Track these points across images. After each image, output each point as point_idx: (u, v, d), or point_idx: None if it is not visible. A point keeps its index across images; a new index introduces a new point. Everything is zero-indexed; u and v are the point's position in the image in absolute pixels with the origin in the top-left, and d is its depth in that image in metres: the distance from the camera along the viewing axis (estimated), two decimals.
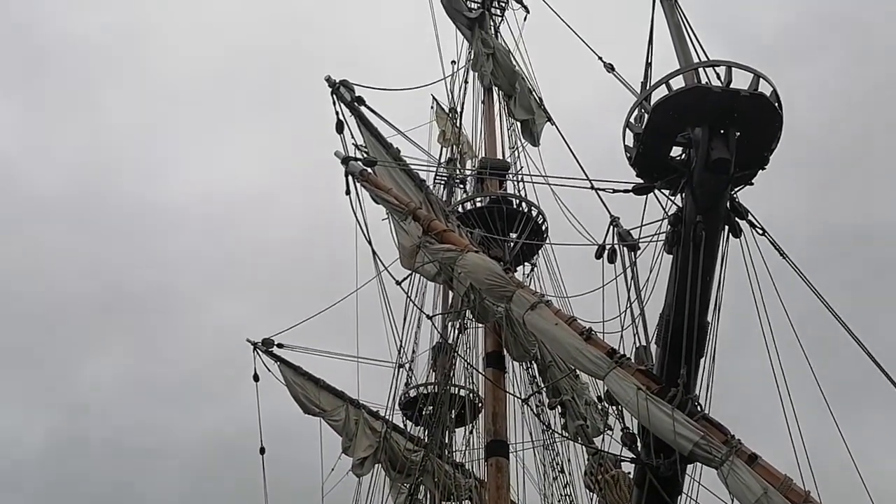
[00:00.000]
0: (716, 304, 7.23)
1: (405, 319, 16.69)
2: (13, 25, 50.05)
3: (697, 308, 6.87)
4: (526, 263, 16.41)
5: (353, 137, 13.74)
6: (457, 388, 17.68)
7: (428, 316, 15.00)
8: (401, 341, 16.36)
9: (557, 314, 8.88)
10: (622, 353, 8.11)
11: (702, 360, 7.32)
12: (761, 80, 6.18)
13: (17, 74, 50.00)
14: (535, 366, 15.24)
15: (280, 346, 16.49)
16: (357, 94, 14.55)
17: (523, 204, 16.19)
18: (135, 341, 44.09)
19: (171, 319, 44.65)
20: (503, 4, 21.16)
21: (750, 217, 7.07)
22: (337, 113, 13.60)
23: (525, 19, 20.85)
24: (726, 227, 6.97)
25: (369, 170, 12.48)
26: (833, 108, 40.49)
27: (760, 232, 7.19)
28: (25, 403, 40.29)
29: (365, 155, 13.42)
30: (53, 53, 50.68)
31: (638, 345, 8.09)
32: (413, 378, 19.01)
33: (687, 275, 6.82)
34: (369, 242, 12.05)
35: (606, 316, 8.43)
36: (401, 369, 17.54)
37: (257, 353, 16.38)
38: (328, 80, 14.13)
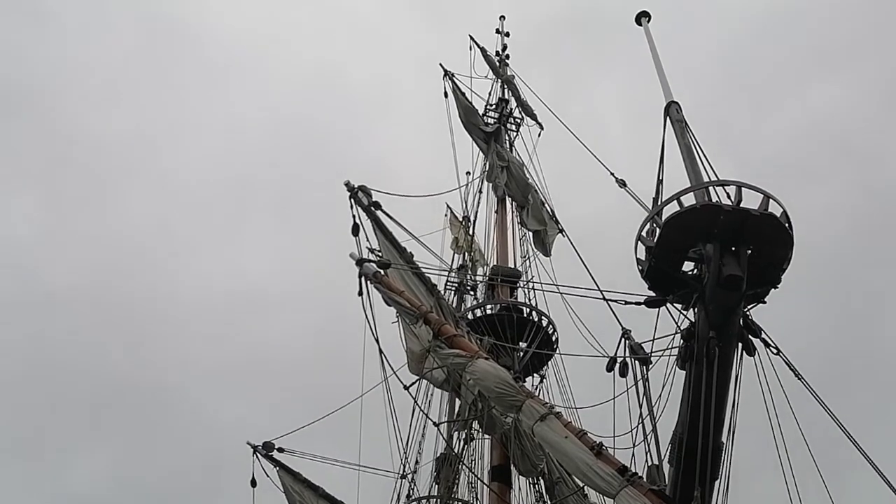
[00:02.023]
0: (730, 425, 7.07)
1: (411, 427, 16.36)
2: (37, 120, 52.15)
3: (712, 428, 6.71)
4: (535, 374, 16.23)
5: (367, 241, 13.99)
6: (460, 503, 17.04)
7: (435, 423, 14.68)
8: (405, 450, 15.94)
9: (567, 426, 8.70)
10: (634, 470, 7.88)
11: (716, 482, 7.09)
12: (771, 200, 6.29)
13: (39, 167, 51.69)
14: (542, 482, 14.74)
15: (280, 450, 16.08)
16: (374, 199, 14.89)
17: (534, 313, 16.19)
18: (131, 437, 43.14)
19: (170, 417, 43.83)
20: (518, 121, 22.02)
21: (763, 335, 7.02)
22: (354, 216, 13.87)
23: (539, 135, 21.65)
24: (740, 345, 6.90)
25: (382, 272, 12.60)
26: (843, 228, 41.07)
27: (775, 351, 7.12)
28: (19, 496, 39.10)
29: (379, 258, 13.59)
30: (75, 149, 52.50)
31: (650, 463, 7.87)
32: (415, 490, 18.38)
33: (700, 392, 6.70)
34: (377, 340, 12.00)
35: (617, 431, 8.26)
36: (402, 480, 17.00)
37: (257, 456, 15.98)
38: (347, 184, 14.49)
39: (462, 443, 15.22)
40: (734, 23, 51.25)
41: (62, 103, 52.43)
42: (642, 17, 9.05)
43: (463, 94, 21.49)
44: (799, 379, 7.58)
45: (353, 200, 14.28)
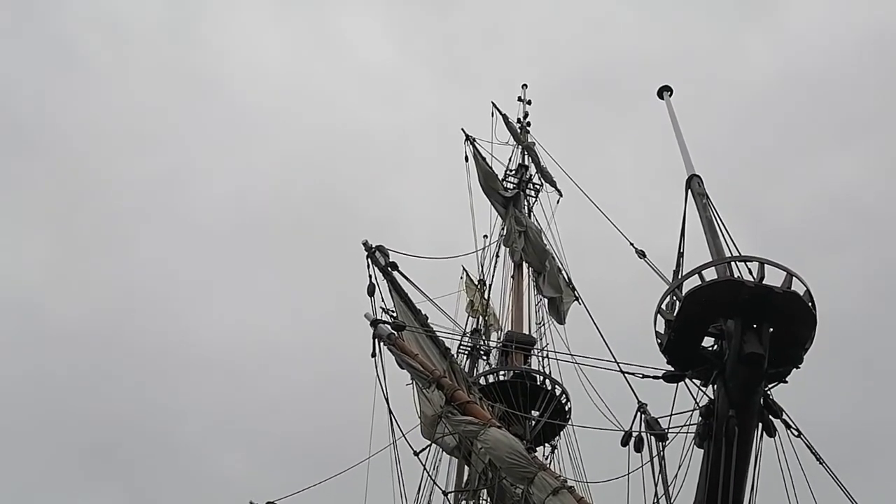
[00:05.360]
0: None
1: (418, 493, 15.96)
2: (55, 162, 53.26)
3: None
4: (546, 444, 15.89)
5: (382, 300, 13.92)
6: None
7: (444, 492, 14.31)
8: None
9: (580, 502, 8.45)
10: None
11: None
12: (794, 278, 6.21)
13: (54, 208, 52.60)
14: None
15: None
16: (391, 260, 14.89)
17: (547, 381, 15.95)
18: (129, 487, 42.47)
19: (170, 468, 43.26)
20: (538, 187, 22.18)
21: (784, 417, 6.83)
22: (370, 276, 13.86)
23: (558, 202, 21.76)
24: (760, 426, 6.72)
25: (397, 334, 12.51)
26: (861, 301, 40.64)
27: (796, 434, 6.92)
28: None
29: (393, 318, 13.50)
30: (91, 192, 53.45)
31: None
32: None
33: (718, 472, 6.49)
34: (387, 402, 11.78)
35: None
36: None
37: None
38: (365, 244, 14.54)
39: None
40: (751, 95, 52.13)
41: (81, 146, 53.75)
42: (664, 91, 9.16)
43: (483, 158, 21.76)
44: (820, 463, 7.36)
45: (369, 260, 14.31)
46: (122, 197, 54.19)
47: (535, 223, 20.61)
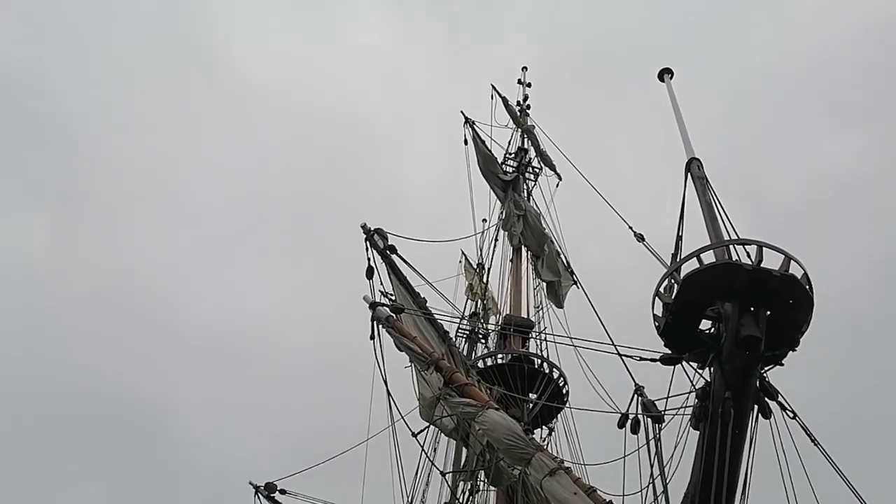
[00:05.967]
0: (744, 489, 6.89)
1: (416, 474, 16.09)
2: (56, 144, 52.99)
3: (725, 490, 6.54)
4: (544, 426, 15.99)
5: (381, 284, 13.95)
6: None
7: (442, 473, 14.42)
8: (409, 498, 15.64)
9: (577, 482, 8.53)
10: None
11: None
12: (792, 262, 6.23)
13: (52, 191, 52.40)
14: None
15: (283, 492, 15.89)
16: (390, 243, 14.91)
17: (545, 364, 16.02)
18: (128, 471, 42.69)
19: (170, 451, 43.48)
20: (537, 171, 22.15)
21: (780, 399, 6.89)
22: (369, 259, 13.88)
23: (557, 185, 21.76)
24: (755, 407, 6.77)
25: (395, 316, 12.54)
26: (857, 280, 40.72)
27: (791, 415, 6.98)
28: None
29: (392, 302, 13.53)
30: (91, 174, 53.25)
31: None
32: None
33: (714, 453, 6.55)
34: (385, 383, 11.84)
35: (628, 489, 8.06)
36: None
37: (258, 497, 15.79)
38: (364, 227, 14.54)
39: (467, 494, 14.93)
40: (751, 77, 51.93)
41: (80, 128, 53.45)
42: (665, 73, 9.11)
43: (483, 141, 21.70)
44: (815, 444, 7.43)
45: (368, 243, 14.32)
46: (123, 179, 54.09)
47: (534, 207, 20.61)
